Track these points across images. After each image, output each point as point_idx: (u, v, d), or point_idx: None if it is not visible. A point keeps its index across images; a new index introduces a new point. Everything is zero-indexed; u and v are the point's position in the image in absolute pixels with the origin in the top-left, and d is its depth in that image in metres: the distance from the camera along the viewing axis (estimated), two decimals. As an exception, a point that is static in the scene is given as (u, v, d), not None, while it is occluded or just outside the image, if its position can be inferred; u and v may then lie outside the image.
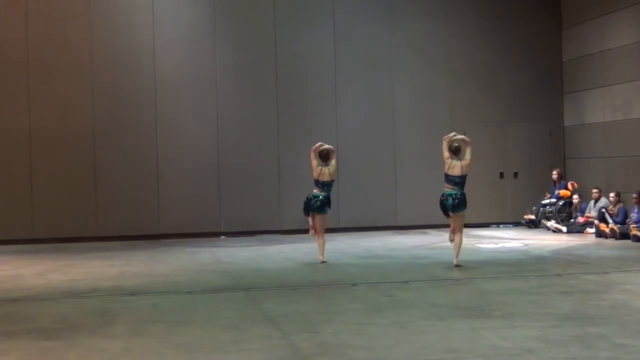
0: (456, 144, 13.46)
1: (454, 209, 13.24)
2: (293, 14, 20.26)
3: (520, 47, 21.08)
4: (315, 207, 14.19)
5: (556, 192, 19.79)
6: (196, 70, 19.83)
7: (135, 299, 10.99)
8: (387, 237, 18.63)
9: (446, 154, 13.33)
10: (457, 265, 13.24)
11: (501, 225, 20.72)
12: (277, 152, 19.85)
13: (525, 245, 16.58)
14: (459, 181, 13.25)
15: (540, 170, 20.88)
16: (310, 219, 14.40)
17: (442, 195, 13.40)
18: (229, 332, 8.61)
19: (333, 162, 14.36)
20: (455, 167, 13.26)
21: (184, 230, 19.33)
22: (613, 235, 17.03)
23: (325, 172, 14.25)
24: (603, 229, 17.36)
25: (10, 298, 11.20)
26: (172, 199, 19.46)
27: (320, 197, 14.18)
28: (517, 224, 20.56)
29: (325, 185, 14.24)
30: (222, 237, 19.37)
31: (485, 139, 20.80)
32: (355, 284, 11.80)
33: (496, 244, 16.87)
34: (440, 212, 13.61)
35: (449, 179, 13.32)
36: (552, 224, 19.12)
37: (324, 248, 14.32)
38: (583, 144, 20.52)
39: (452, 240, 13.49)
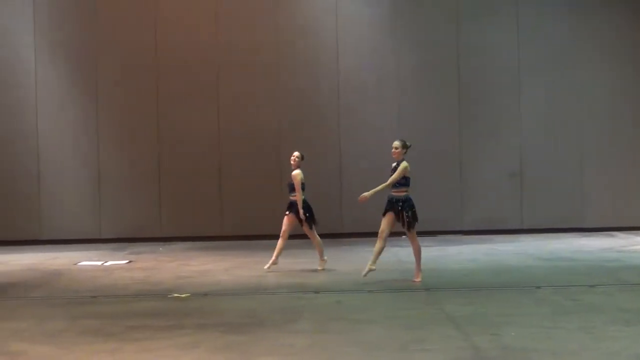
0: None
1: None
2: (475, 11, 20.03)
3: None
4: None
5: None
6: (378, 70, 19.97)
7: (319, 296, 11.20)
8: (573, 239, 18.13)
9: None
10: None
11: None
12: (458, 151, 19.69)
13: None
14: None
15: None
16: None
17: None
18: (411, 331, 8.64)
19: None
20: None
21: (366, 230, 19.48)
22: None
23: None
24: None
25: (200, 293, 11.65)
26: (355, 196, 19.58)
27: None
28: None
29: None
30: (403, 237, 19.36)
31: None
32: (538, 287, 11.57)
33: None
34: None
35: None
36: None
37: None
38: None
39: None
